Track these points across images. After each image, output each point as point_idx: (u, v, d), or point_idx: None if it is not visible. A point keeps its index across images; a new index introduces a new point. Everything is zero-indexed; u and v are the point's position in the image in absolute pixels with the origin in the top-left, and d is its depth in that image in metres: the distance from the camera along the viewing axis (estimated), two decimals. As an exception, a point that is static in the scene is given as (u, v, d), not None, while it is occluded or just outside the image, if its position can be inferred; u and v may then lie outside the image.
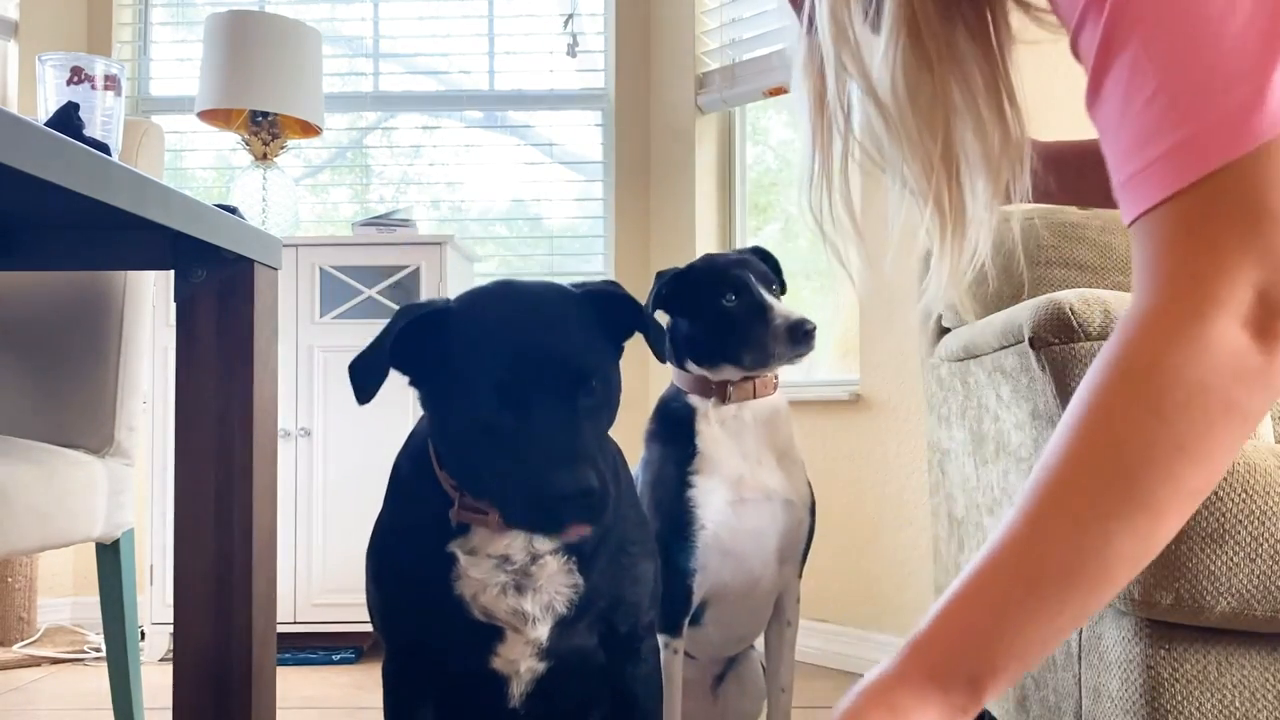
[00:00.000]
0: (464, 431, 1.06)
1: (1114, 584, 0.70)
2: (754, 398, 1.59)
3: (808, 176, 0.95)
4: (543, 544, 1.14)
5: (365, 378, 1.08)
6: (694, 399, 1.60)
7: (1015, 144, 0.87)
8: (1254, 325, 0.67)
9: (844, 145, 0.92)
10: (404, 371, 1.12)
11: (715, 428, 1.58)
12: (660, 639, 1.56)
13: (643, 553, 1.26)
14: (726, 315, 1.56)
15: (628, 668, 1.26)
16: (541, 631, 1.16)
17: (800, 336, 1.54)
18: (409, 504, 1.20)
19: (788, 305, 1.60)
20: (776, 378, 1.63)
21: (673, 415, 1.62)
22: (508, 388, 1.01)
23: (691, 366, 1.62)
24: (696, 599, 1.57)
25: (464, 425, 1.06)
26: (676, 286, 1.62)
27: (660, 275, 1.63)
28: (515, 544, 1.13)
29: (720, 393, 1.59)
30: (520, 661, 1.19)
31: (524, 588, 1.14)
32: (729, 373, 1.59)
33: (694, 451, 1.58)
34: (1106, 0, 0.70)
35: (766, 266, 1.65)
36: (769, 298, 1.57)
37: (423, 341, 1.08)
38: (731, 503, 1.55)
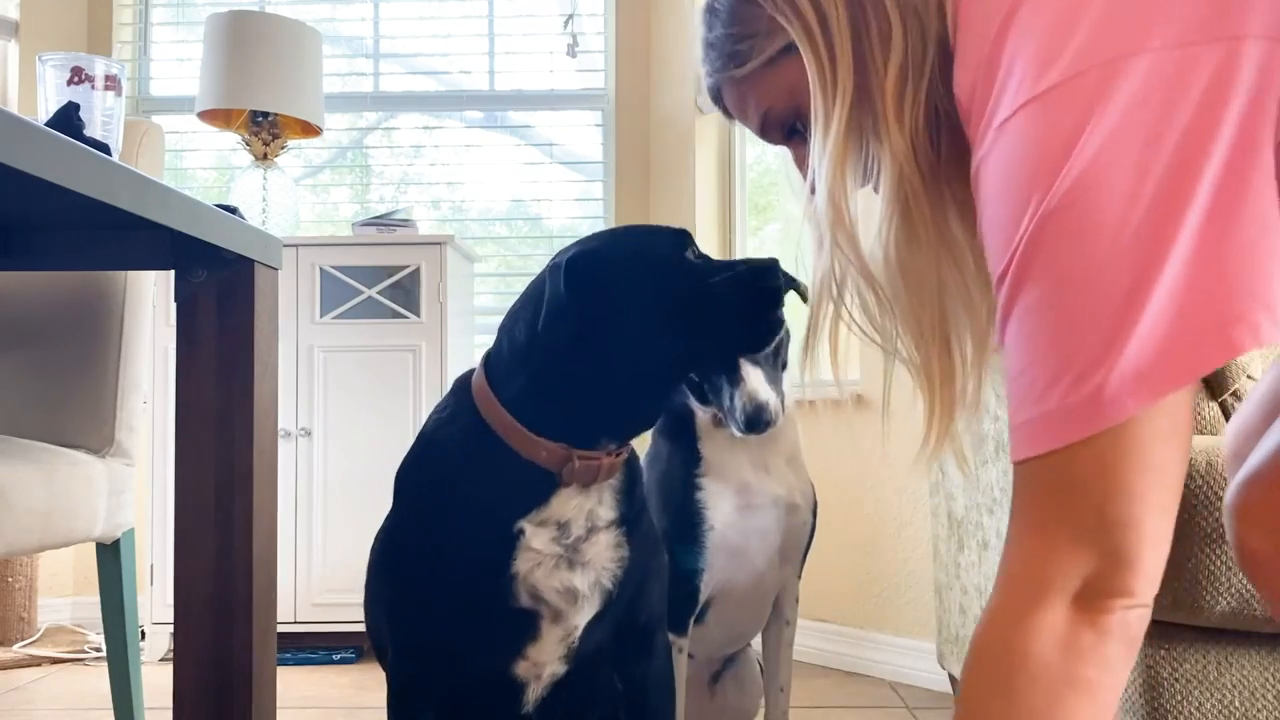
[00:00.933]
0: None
1: None
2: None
3: (806, 331, 1.00)
4: (604, 513, 1.16)
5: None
6: (694, 404, 1.61)
7: None
8: (1083, 608, 0.75)
9: (834, 310, 0.97)
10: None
11: (718, 436, 1.58)
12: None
13: (657, 545, 1.28)
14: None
15: (642, 663, 1.26)
16: (586, 615, 1.15)
17: (751, 428, 1.49)
18: (460, 481, 1.16)
19: (776, 352, 1.54)
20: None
21: (678, 414, 1.62)
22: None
23: (682, 393, 1.60)
24: (703, 598, 1.57)
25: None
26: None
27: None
28: (580, 510, 1.14)
29: (713, 415, 1.58)
30: (545, 665, 1.18)
31: (574, 563, 1.14)
32: (712, 409, 1.57)
33: (699, 456, 1.58)
34: (1011, 261, 0.76)
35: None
36: (746, 369, 1.50)
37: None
38: (738, 507, 1.56)
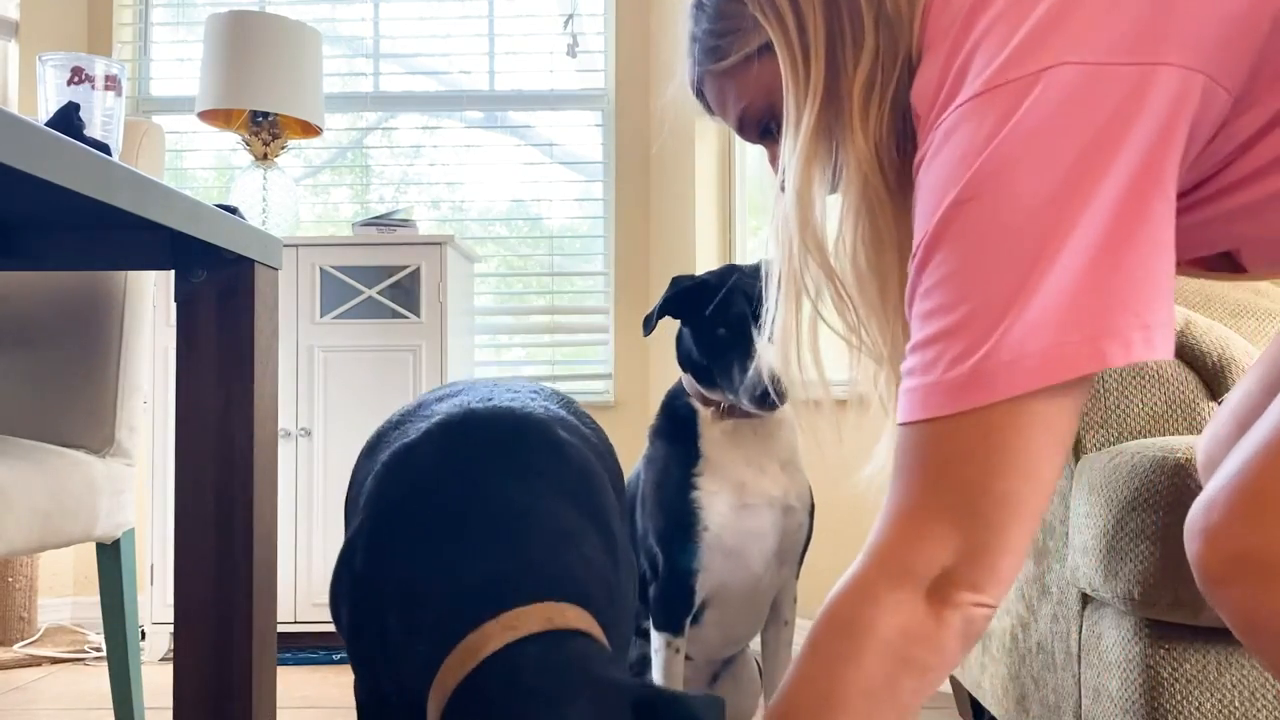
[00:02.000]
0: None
1: None
2: (748, 417, 1.58)
3: (780, 333, 1.03)
4: None
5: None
6: (697, 403, 1.61)
7: None
8: (934, 599, 0.79)
9: (812, 307, 1.00)
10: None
11: (718, 434, 1.58)
12: (662, 638, 1.56)
13: (619, 563, 1.20)
14: (716, 347, 1.55)
15: None
16: None
17: (762, 402, 1.50)
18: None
19: None
20: None
21: (678, 414, 1.63)
22: None
23: (687, 380, 1.62)
24: (698, 599, 1.58)
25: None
26: (688, 297, 1.60)
27: (675, 281, 1.63)
28: None
29: (716, 407, 1.59)
30: None
31: None
32: (718, 396, 1.58)
33: (698, 455, 1.58)
34: (919, 247, 0.81)
35: None
36: (760, 343, 1.53)
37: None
38: (734, 507, 1.56)
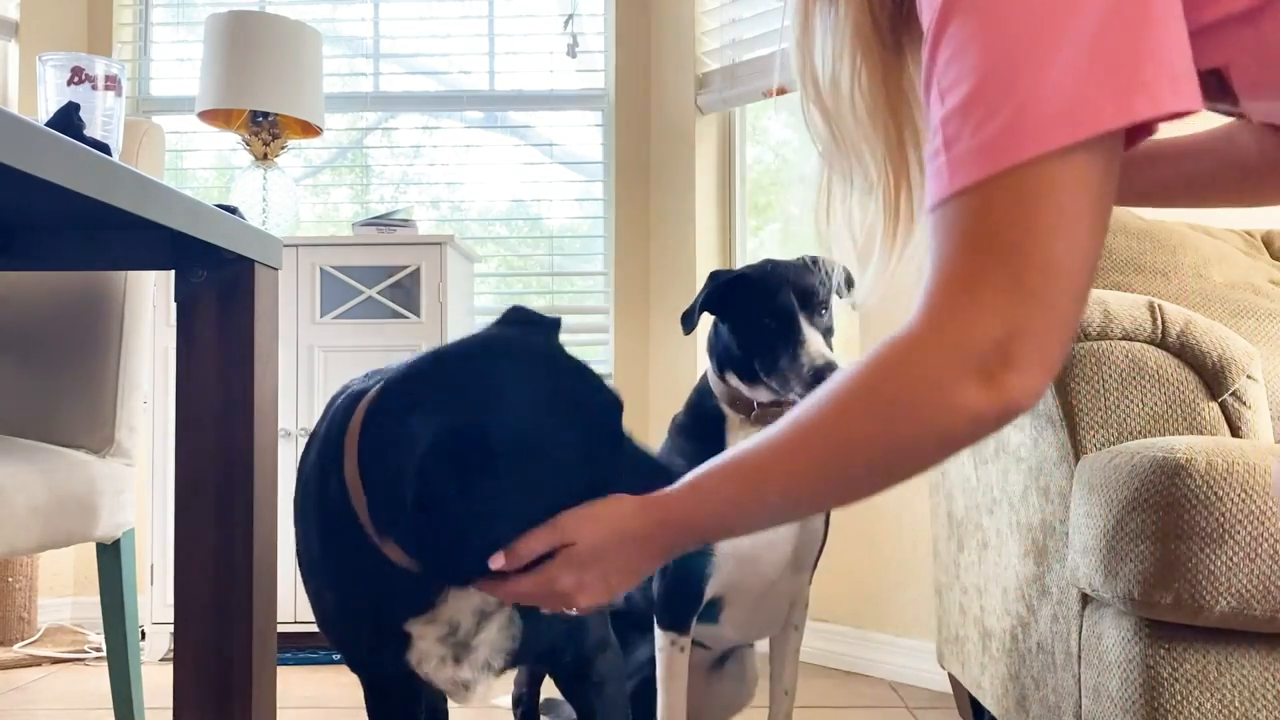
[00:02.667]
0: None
1: (803, 515, 0.95)
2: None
3: (815, 189, 1.01)
4: (490, 604, 1.06)
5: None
6: (725, 406, 1.60)
7: None
8: (985, 374, 0.77)
9: (830, 182, 1.00)
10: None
11: (742, 440, 1.58)
12: (667, 636, 1.57)
13: None
14: (762, 338, 1.53)
15: (582, 686, 1.21)
16: (480, 692, 1.10)
17: (817, 379, 1.49)
18: (342, 577, 1.06)
19: (826, 330, 1.56)
20: None
21: (706, 414, 1.62)
22: None
23: (731, 379, 1.60)
24: (706, 598, 1.58)
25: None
26: (728, 292, 1.59)
27: (714, 276, 1.62)
28: (470, 606, 1.04)
29: (747, 411, 1.58)
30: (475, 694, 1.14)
31: (461, 659, 1.07)
32: (762, 394, 1.57)
33: None
34: (931, 23, 0.78)
35: (823, 276, 1.60)
36: (807, 330, 1.52)
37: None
38: None
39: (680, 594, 1.57)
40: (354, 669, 1.22)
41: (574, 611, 0.96)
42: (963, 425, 0.79)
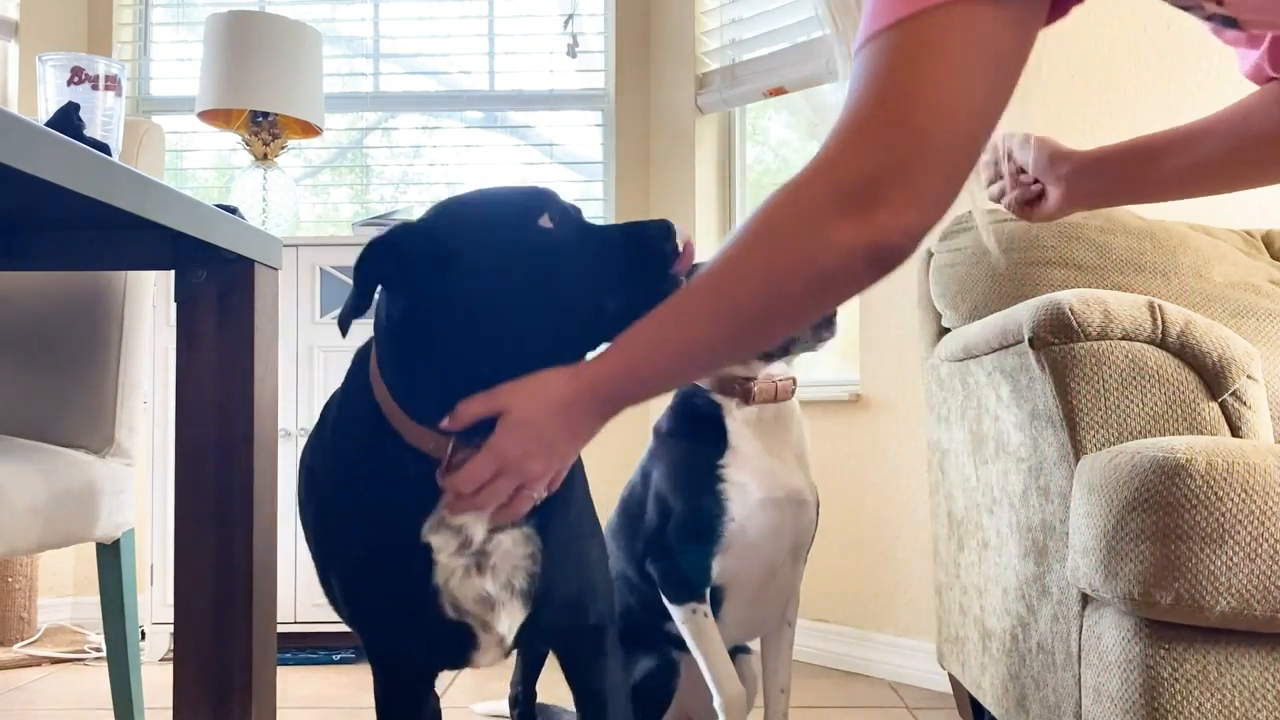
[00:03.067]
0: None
1: (719, 360, 0.98)
2: (774, 400, 1.61)
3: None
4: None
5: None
6: (718, 397, 1.62)
7: None
8: (855, 207, 0.80)
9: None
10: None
11: (742, 425, 1.60)
12: (685, 608, 1.59)
13: (593, 537, 1.24)
14: None
15: (597, 669, 1.21)
16: (511, 621, 1.10)
17: (823, 322, 1.54)
18: (365, 482, 1.08)
19: None
20: (795, 382, 1.65)
21: (697, 411, 1.64)
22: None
23: None
24: (714, 574, 1.60)
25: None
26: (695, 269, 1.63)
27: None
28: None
29: (743, 393, 1.60)
30: (492, 658, 1.15)
31: (484, 568, 1.07)
32: (754, 365, 1.60)
33: (725, 447, 1.60)
34: None
35: None
36: None
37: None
38: (760, 501, 1.58)
39: (689, 566, 1.59)
40: (376, 644, 1.19)
41: (538, 493, 1.01)
42: (833, 259, 0.83)
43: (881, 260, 0.82)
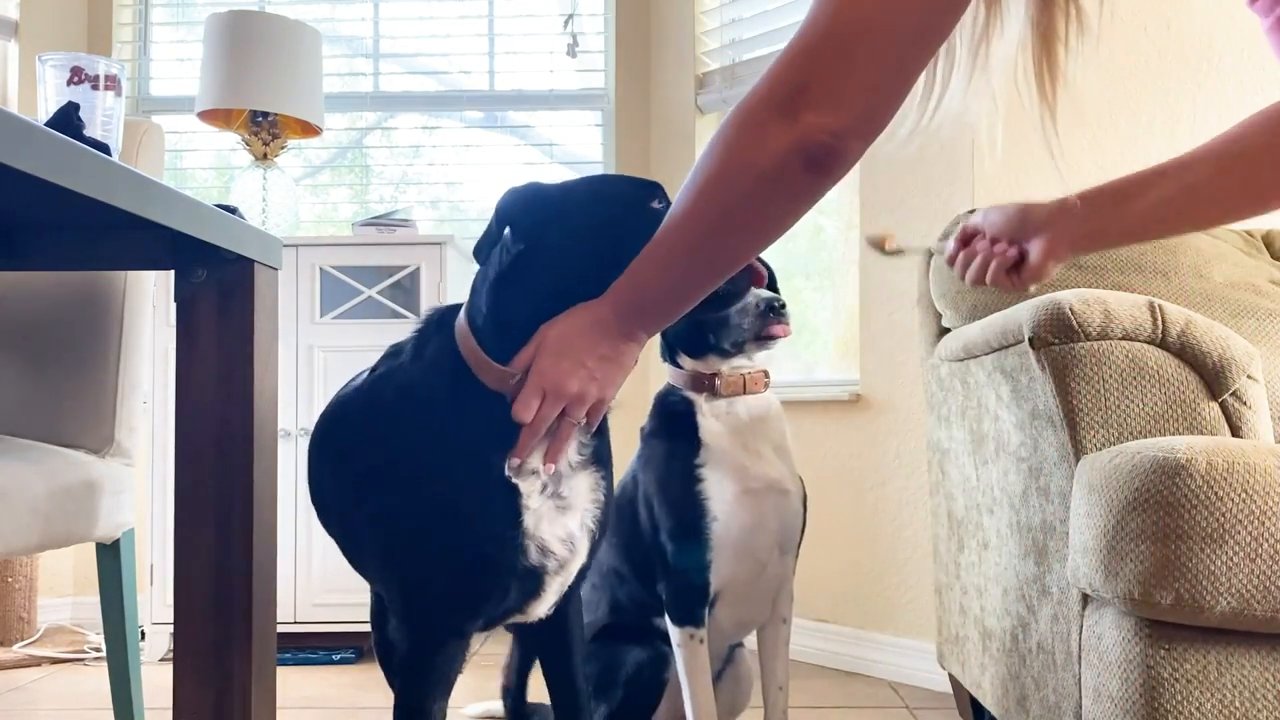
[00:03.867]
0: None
1: (718, 272, 1.03)
2: (744, 393, 1.64)
3: None
4: (573, 454, 1.16)
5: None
6: (690, 394, 1.65)
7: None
8: (783, 112, 0.89)
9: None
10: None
11: (713, 420, 1.62)
12: (684, 631, 1.60)
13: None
14: (705, 303, 1.59)
15: (569, 606, 1.28)
16: (580, 561, 1.18)
17: (768, 310, 1.58)
18: (454, 434, 1.13)
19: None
20: (767, 376, 1.67)
21: (672, 409, 1.67)
22: None
23: (683, 360, 1.66)
24: (713, 590, 1.60)
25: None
26: None
27: None
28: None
29: (710, 387, 1.64)
30: (537, 613, 1.20)
31: (566, 509, 1.15)
32: (714, 363, 1.64)
33: (699, 444, 1.62)
34: None
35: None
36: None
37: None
38: (737, 494, 1.60)
39: (689, 587, 1.60)
40: (447, 594, 1.15)
41: (579, 418, 1.09)
42: (769, 159, 0.91)
43: (813, 160, 0.89)
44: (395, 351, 1.28)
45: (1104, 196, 1.18)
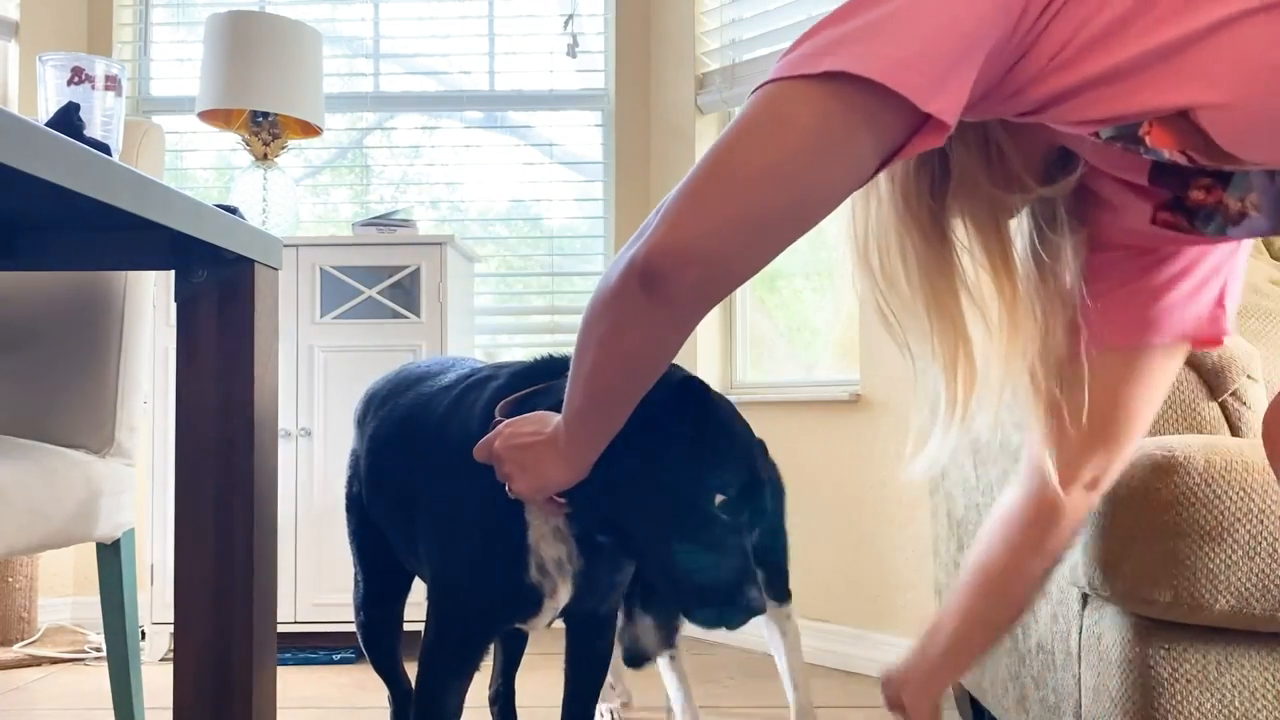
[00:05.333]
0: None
1: (619, 400, 1.04)
2: None
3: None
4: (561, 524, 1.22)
5: None
6: None
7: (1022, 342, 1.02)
8: (637, 242, 0.91)
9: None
10: None
11: None
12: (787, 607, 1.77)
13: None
14: None
15: (598, 642, 1.41)
16: (567, 593, 1.25)
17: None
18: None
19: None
20: None
21: None
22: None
23: None
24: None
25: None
26: None
27: None
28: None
29: None
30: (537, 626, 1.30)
31: (562, 540, 1.22)
32: None
33: None
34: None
35: None
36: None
37: None
38: None
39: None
40: (468, 599, 1.28)
41: (512, 486, 1.14)
42: (617, 280, 0.92)
43: (647, 277, 0.90)
44: (494, 373, 1.33)
45: (927, 642, 1.21)
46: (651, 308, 0.92)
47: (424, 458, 1.33)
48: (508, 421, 1.15)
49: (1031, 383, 1.04)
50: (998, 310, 1.02)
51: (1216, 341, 1.09)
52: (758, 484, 1.14)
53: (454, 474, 1.26)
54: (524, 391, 1.22)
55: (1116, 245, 1.04)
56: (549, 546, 1.22)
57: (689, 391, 1.13)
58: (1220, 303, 1.07)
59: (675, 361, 1.08)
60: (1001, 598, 1.16)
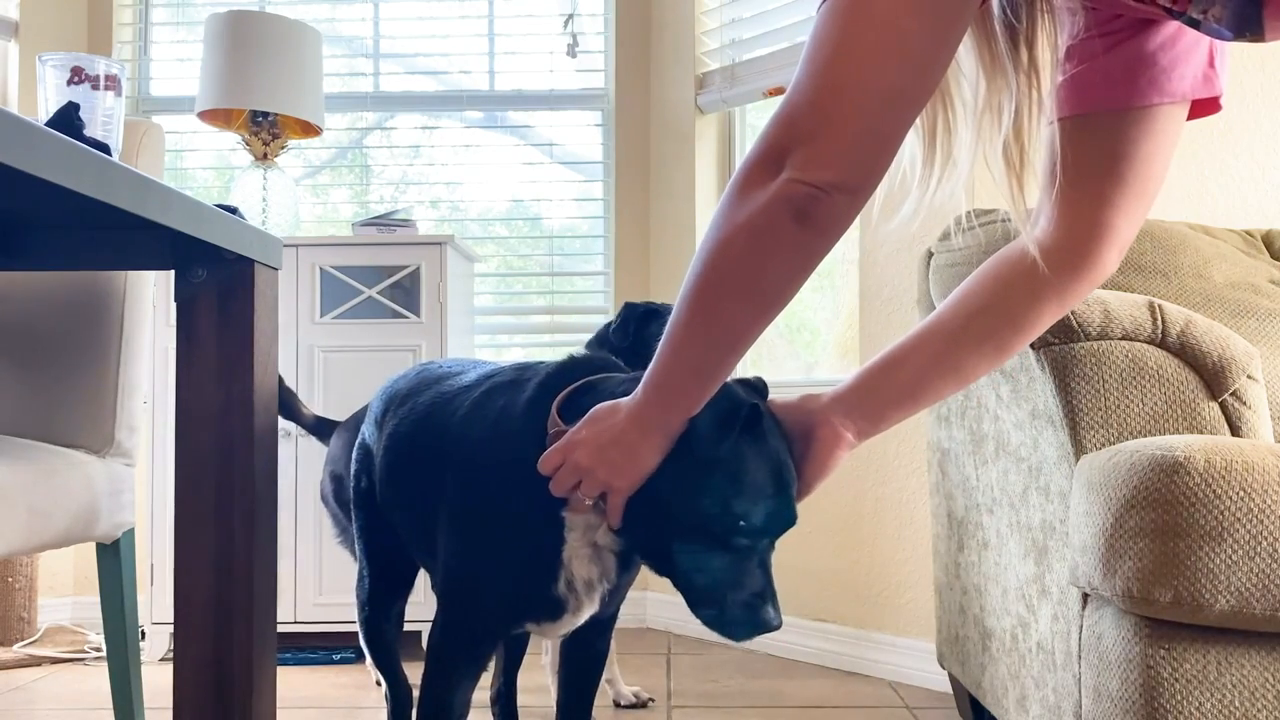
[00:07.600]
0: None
1: (736, 340, 1.02)
2: None
3: None
4: (611, 541, 1.22)
5: None
6: None
7: (1000, 101, 1.04)
8: (769, 169, 0.91)
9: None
10: None
11: None
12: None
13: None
14: None
15: (598, 643, 1.43)
16: (590, 610, 1.26)
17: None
18: (521, 464, 1.20)
19: None
20: None
21: None
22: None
23: None
24: None
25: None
26: (641, 324, 1.87)
27: (629, 306, 1.84)
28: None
29: None
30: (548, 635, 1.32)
31: (597, 559, 1.22)
32: None
33: None
34: None
35: None
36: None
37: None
38: None
39: None
40: (490, 596, 1.28)
41: (593, 488, 1.11)
42: (759, 214, 0.91)
43: (801, 212, 0.90)
44: (520, 374, 1.31)
45: (874, 374, 1.22)
46: (803, 238, 0.93)
47: (449, 455, 1.31)
48: (570, 431, 1.12)
49: (1005, 153, 1.07)
50: (975, 76, 1.04)
51: (1214, 105, 1.11)
52: (785, 522, 1.13)
53: (483, 473, 1.25)
54: (570, 388, 1.20)
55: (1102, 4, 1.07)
56: (581, 565, 1.22)
57: (750, 422, 1.12)
58: (1211, 63, 1.10)
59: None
60: (983, 335, 1.16)
